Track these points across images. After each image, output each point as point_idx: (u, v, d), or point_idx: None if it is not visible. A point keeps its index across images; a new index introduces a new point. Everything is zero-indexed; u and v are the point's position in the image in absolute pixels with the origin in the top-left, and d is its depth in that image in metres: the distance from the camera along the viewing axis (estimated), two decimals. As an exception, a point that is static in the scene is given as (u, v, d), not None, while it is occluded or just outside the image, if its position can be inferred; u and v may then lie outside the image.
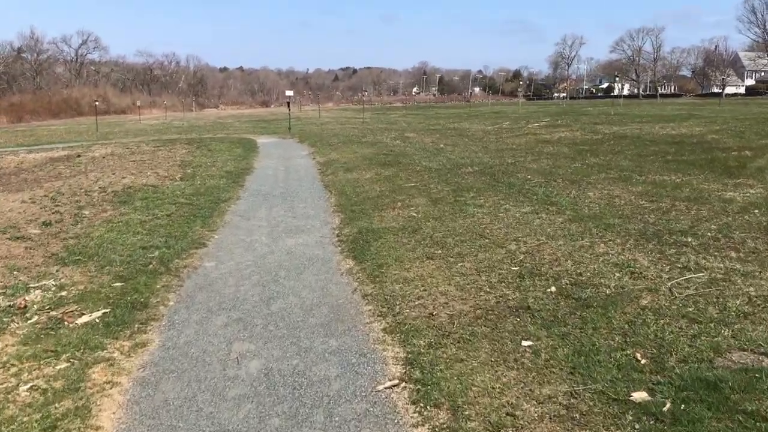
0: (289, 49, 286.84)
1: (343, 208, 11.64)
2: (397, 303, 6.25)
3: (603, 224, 8.91)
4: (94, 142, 32.75)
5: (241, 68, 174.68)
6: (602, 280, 6.41)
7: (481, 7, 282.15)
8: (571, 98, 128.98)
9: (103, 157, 22.55)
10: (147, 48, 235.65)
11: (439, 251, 8.04)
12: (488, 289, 6.42)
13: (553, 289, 6.22)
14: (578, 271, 6.80)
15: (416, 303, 6.21)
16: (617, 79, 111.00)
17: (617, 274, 6.59)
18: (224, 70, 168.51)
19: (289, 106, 34.56)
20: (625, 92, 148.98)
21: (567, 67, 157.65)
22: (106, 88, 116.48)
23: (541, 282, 6.51)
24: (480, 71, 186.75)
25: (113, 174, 17.28)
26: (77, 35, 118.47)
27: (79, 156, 23.26)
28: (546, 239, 8.27)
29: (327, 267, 7.93)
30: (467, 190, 12.26)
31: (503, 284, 6.55)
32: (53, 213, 11.79)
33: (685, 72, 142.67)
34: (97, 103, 52.23)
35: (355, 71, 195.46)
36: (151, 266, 7.99)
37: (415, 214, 10.45)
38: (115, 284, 7.23)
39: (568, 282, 6.44)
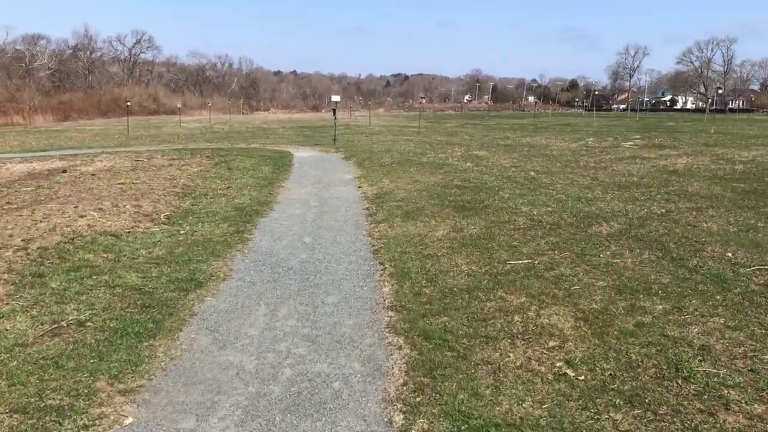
0: (342, 55, 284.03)
1: (410, 321, 6.06)
2: None
3: None
4: (108, 149, 28.06)
5: (294, 72, 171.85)
6: None
7: (537, 15, 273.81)
8: (632, 110, 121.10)
9: (93, 174, 17.53)
10: (200, 49, 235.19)
11: None
12: None
13: None
14: None
15: None
16: (719, 91, 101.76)
17: None
18: (278, 73, 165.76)
19: (335, 113, 29.06)
20: (689, 106, 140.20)
21: (629, 78, 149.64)
22: (157, 88, 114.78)
23: None
24: (534, 80, 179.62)
25: (75, 207, 12.12)
26: (131, 34, 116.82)
27: (65, 171, 18.34)
28: None
29: None
30: (645, 292, 6.49)
31: None
32: None
33: (754, 86, 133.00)
34: (129, 103, 47.87)
35: (406, 77, 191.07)
36: None
37: (570, 372, 4.80)
38: None
39: None
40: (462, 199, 12.57)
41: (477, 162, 20.47)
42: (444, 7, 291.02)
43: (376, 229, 10.39)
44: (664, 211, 11.06)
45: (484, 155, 23.18)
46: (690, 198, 12.51)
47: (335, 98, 30.37)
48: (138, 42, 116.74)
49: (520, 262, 7.74)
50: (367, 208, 12.49)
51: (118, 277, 7.63)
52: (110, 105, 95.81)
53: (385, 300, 6.80)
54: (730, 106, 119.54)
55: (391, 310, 6.44)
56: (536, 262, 7.72)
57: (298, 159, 22.88)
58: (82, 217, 11.24)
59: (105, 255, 8.74)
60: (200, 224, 10.90)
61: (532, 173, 16.93)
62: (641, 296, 6.35)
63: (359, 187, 15.43)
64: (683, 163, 19.37)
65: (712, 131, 38.34)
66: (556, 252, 8.18)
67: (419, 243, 9.15)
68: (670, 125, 52.64)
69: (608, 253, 8.07)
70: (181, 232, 10.33)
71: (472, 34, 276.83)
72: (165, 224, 10.98)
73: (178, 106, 67.38)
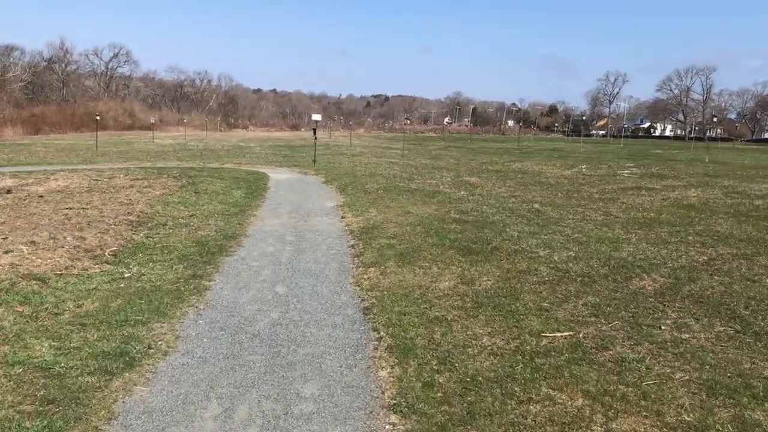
0: (323, 75, 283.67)
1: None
2: None
3: None
4: (69, 166, 25.91)
5: (274, 90, 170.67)
6: None
7: (516, 43, 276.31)
8: (612, 136, 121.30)
9: (40, 196, 15.47)
10: (179, 64, 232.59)
11: None
12: None
13: None
14: None
15: None
16: (714, 119, 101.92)
17: None
18: (258, 91, 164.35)
19: (315, 133, 27.26)
20: (668, 133, 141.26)
21: (609, 104, 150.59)
22: (134, 103, 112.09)
23: None
24: (514, 104, 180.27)
25: (3, 239, 10.10)
26: (109, 48, 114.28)
27: (9, 192, 16.23)
28: None
29: None
30: (748, 394, 4.69)
31: None
32: None
33: (731, 115, 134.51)
34: (98, 117, 45.69)
35: (387, 99, 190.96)
36: None
37: None
38: None
39: None
40: (465, 238, 10.77)
41: (471, 190, 18.75)
42: (424, 34, 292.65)
43: (366, 276, 8.53)
44: (706, 258, 9.35)
45: (477, 182, 21.49)
46: (726, 241, 10.85)
47: (316, 117, 28.57)
48: (115, 56, 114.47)
49: (560, 334, 5.92)
50: (353, 246, 10.63)
51: (24, 347, 5.67)
52: (84, 119, 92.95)
53: (384, 393, 4.94)
54: (709, 134, 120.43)
55: (395, 413, 4.58)
56: (581, 335, 5.90)
57: (274, 182, 20.98)
58: (7, 252, 9.23)
59: (20, 309, 6.78)
60: (151, 264, 8.95)
61: (536, 205, 15.21)
62: (745, 400, 4.55)
63: (342, 218, 13.58)
64: (695, 196, 17.83)
65: (707, 160, 37.21)
66: (601, 319, 6.37)
67: (421, 299, 7.30)
68: (658, 153, 51.66)
69: (669, 322, 6.29)
70: (126, 275, 8.38)
71: (451, 59, 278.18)
72: (108, 263, 9.01)
73: (152, 121, 65.02)
